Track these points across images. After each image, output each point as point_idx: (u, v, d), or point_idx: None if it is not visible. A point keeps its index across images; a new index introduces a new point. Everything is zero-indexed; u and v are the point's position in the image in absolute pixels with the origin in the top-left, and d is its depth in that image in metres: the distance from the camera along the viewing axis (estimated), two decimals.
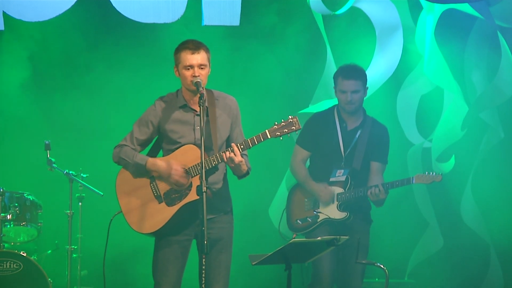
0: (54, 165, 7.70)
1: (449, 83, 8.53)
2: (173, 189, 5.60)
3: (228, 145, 5.68)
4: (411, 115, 8.75)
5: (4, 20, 7.98)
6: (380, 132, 6.81)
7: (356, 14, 8.68)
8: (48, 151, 7.67)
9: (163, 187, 5.62)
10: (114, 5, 8.10)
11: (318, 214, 6.67)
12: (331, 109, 6.89)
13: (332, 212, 6.65)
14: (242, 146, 5.52)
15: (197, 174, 5.53)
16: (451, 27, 8.59)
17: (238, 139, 5.70)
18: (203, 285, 5.30)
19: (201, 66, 5.61)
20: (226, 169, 5.76)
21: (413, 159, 8.59)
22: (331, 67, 8.42)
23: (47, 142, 7.68)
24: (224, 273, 5.67)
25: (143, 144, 5.73)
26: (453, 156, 8.49)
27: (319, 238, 5.41)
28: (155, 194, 5.63)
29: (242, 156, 5.53)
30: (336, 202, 6.66)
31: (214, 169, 5.59)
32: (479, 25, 8.55)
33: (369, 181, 6.68)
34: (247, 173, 5.69)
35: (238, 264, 8.50)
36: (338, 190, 6.67)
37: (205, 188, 5.22)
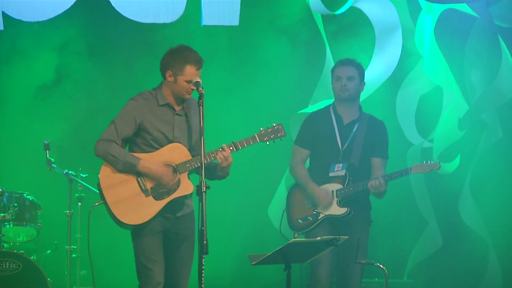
0: (53, 165, 7.70)
1: (449, 82, 8.54)
2: (161, 184, 5.72)
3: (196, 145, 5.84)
4: (411, 115, 8.76)
5: (4, 20, 7.99)
6: (377, 127, 6.82)
7: (356, 14, 8.68)
8: (47, 151, 7.67)
9: (150, 181, 5.74)
10: (113, 5, 8.10)
11: (318, 213, 6.67)
12: (327, 107, 6.92)
13: (332, 208, 6.65)
14: (231, 148, 5.73)
15: (184, 171, 5.70)
16: (450, 27, 8.59)
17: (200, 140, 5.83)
18: (202, 285, 5.32)
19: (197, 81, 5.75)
20: None
21: (412, 159, 8.59)
22: (330, 67, 8.37)
23: (46, 142, 7.68)
24: (190, 267, 5.85)
25: (124, 140, 5.82)
26: (459, 156, 8.50)
27: (318, 238, 5.43)
28: (142, 188, 5.73)
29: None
30: (336, 198, 6.67)
31: (196, 168, 5.74)
32: (479, 25, 8.55)
33: (372, 176, 6.68)
34: (227, 174, 5.88)
35: (238, 264, 8.54)
36: (337, 186, 6.68)
37: (204, 188, 5.33)
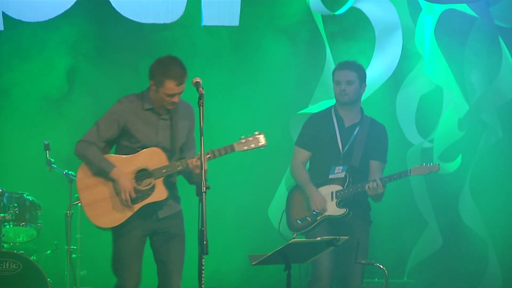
0: (53, 165, 7.70)
1: (449, 82, 8.54)
2: (135, 189, 5.75)
3: (182, 149, 5.89)
4: (411, 115, 8.76)
5: (4, 20, 7.98)
6: (378, 130, 6.81)
7: (356, 14, 8.68)
8: (47, 151, 7.67)
9: None
10: (113, 5, 8.10)
11: (317, 213, 6.67)
12: (328, 109, 6.90)
13: (331, 209, 6.65)
14: (209, 156, 5.75)
15: (160, 177, 5.74)
16: (450, 27, 8.59)
17: (191, 146, 5.92)
18: (202, 285, 5.32)
19: (180, 93, 5.78)
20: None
21: (412, 159, 8.59)
22: (331, 67, 8.41)
23: (46, 143, 7.68)
24: (181, 264, 5.90)
25: (107, 141, 5.85)
26: (460, 156, 8.50)
27: (318, 238, 5.42)
28: (117, 191, 5.77)
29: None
30: (335, 199, 6.66)
31: (173, 174, 5.81)
32: (479, 25, 8.55)
33: (369, 179, 6.68)
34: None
35: (238, 264, 8.54)
36: (337, 187, 6.67)
37: (204, 188, 5.31)
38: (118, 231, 5.82)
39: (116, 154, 5.87)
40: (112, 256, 5.87)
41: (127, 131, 5.81)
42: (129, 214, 5.76)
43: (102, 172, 5.75)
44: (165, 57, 5.79)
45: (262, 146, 5.84)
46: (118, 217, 5.77)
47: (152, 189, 5.76)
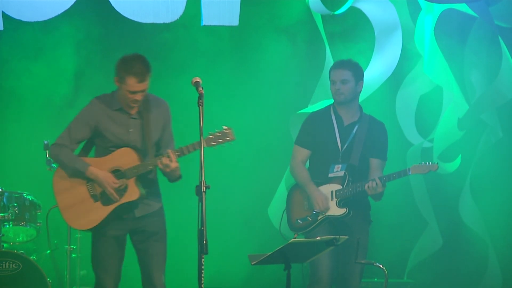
0: (53, 165, 7.68)
1: (449, 82, 8.54)
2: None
3: (158, 147, 5.92)
4: (410, 115, 8.76)
5: (4, 20, 7.98)
6: (378, 128, 6.81)
7: (355, 14, 8.68)
8: (47, 151, 7.66)
9: (99, 187, 5.85)
10: (113, 5, 8.10)
11: (318, 213, 6.67)
12: (327, 107, 6.90)
13: (331, 209, 6.65)
14: (178, 153, 5.77)
15: (133, 176, 5.78)
16: (450, 27, 8.59)
17: (168, 141, 5.95)
18: (202, 285, 5.32)
19: (143, 91, 5.81)
20: (156, 169, 5.96)
21: (412, 159, 8.59)
22: (330, 67, 8.41)
23: (46, 142, 7.67)
24: (162, 261, 5.96)
25: (79, 142, 5.94)
26: (460, 156, 8.49)
27: (318, 238, 5.42)
28: (91, 193, 5.86)
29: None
30: (335, 199, 6.66)
31: (148, 172, 5.84)
32: (479, 25, 8.55)
33: (369, 177, 6.67)
34: (180, 177, 5.92)
35: (238, 264, 8.53)
36: (336, 187, 6.67)
37: (204, 188, 5.31)
38: (96, 232, 5.91)
39: (95, 154, 5.96)
40: (91, 257, 5.98)
41: (99, 132, 5.88)
42: (104, 215, 5.83)
43: (78, 173, 5.83)
44: (130, 54, 5.85)
45: (230, 141, 5.74)
46: (93, 218, 5.84)
47: (125, 189, 5.81)
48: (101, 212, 5.82)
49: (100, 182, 5.79)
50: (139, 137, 5.87)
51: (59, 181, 5.90)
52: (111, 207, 5.82)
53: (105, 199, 5.83)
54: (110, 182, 5.77)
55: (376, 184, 6.52)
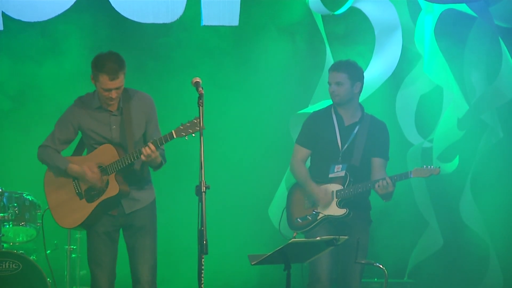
0: None
1: (449, 82, 8.54)
2: (92, 187, 5.88)
3: (145, 141, 5.94)
4: (411, 115, 8.76)
5: (4, 20, 7.98)
6: (379, 128, 6.81)
7: (355, 14, 8.68)
8: None
9: (83, 184, 5.93)
10: (113, 5, 8.10)
11: (317, 213, 6.67)
12: (328, 107, 6.91)
13: (332, 209, 6.65)
14: (158, 142, 5.79)
15: (113, 172, 5.83)
16: (450, 27, 8.59)
17: (154, 134, 5.95)
18: (202, 285, 5.32)
19: (117, 89, 5.84)
20: (145, 165, 5.99)
21: (412, 159, 8.59)
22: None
23: None
24: (149, 256, 5.98)
25: (65, 143, 6.02)
26: (457, 156, 8.49)
27: (318, 238, 5.42)
28: (77, 191, 5.95)
29: (157, 150, 5.80)
30: (335, 199, 6.66)
31: (131, 166, 5.86)
32: (479, 25, 8.55)
33: (372, 177, 6.67)
34: (161, 164, 5.93)
35: (238, 264, 8.53)
36: (337, 187, 6.67)
37: (204, 188, 5.31)
38: (89, 229, 5.98)
39: (86, 153, 6.02)
40: (87, 254, 6.05)
41: (83, 131, 5.97)
42: (87, 212, 5.89)
43: (60, 171, 5.92)
44: (104, 52, 5.89)
45: (200, 129, 5.56)
46: (78, 217, 5.92)
47: (107, 185, 5.86)
48: (85, 209, 5.89)
49: (79, 176, 5.87)
50: (121, 134, 5.92)
51: (48, 182, 6.03)
52: (94, 204, 5.88)
53: (89, 196, 5.90)
54: (88, 172, 5.81)
55: (387, 183, 6.53)
